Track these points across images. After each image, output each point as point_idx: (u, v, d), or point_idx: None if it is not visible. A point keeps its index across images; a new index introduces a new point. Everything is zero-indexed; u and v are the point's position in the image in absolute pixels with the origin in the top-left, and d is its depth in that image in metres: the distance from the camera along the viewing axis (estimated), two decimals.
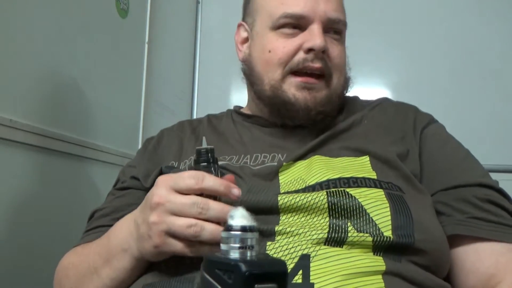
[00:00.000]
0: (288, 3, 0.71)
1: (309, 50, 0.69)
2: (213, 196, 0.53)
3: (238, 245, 0.36)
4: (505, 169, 1.66)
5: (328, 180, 0.61)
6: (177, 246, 0.53)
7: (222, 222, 0.52)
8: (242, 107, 0.86)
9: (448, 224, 0.63)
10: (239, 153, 0.71)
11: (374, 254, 0.55)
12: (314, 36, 0.69)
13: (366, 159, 0.66)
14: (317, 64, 0.70)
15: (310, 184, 0.62)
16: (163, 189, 0.54)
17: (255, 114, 0.80)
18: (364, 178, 0.62)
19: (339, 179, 0.61)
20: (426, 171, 0.68)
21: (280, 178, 0.65)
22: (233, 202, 0.53)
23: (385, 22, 1.88)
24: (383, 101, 0.79)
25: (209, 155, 0.56)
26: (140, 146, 1.56)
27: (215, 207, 0.52)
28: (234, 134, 0.77)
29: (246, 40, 0.80)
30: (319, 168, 0.64)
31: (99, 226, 0.71)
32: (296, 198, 0.59)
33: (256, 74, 0.75)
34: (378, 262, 0.53)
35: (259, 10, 0.76)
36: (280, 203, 0.59)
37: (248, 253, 0.36)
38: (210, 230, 0.52)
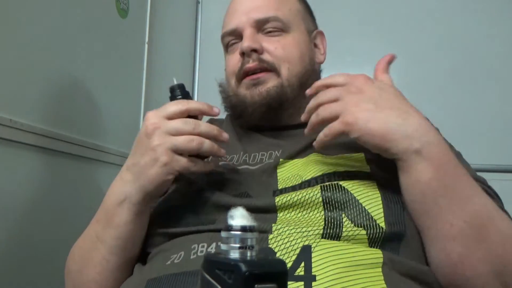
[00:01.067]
0: (226, 24, 0.82)
1: (242, 55, 0.75)
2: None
3: (238, 245, 0.36)
4: (505, 169, 1.66)
5: (323, 175, 0.64)
6: (183, 161, 0.60)
7: (211, 138, 0.61)
8: None
9: None
10: (238, 152, 0.74)
11: (371, 247, 0.57)
12: (242, 41, 0.76)
13: (361, 155, 0.68)
14: (251, 64, 0.75)
15: (306, 179, 0.65)
16: (155, 118, 0.60)
17: None
18: (358, 171, 0.64)
19: (334, 173, 0.64)
20: None
21: (278, 173, 0.68)
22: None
23: (385, 22, 1.88)
24: None
25: (181, 90, 0.67)
26: None
27: (203, 124, 0.61)
28: (232, 134, 0.80)
29: None
30: (315, 164, 0.67)
31: None
32: (293, 197, 0.61)
33: (224, 91, 0.84)
34: (377, 255, 0.55)
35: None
36: (278, 204, 0.62)
37: (248, 253, 0.36)
38: (208, 142, 0.60)
